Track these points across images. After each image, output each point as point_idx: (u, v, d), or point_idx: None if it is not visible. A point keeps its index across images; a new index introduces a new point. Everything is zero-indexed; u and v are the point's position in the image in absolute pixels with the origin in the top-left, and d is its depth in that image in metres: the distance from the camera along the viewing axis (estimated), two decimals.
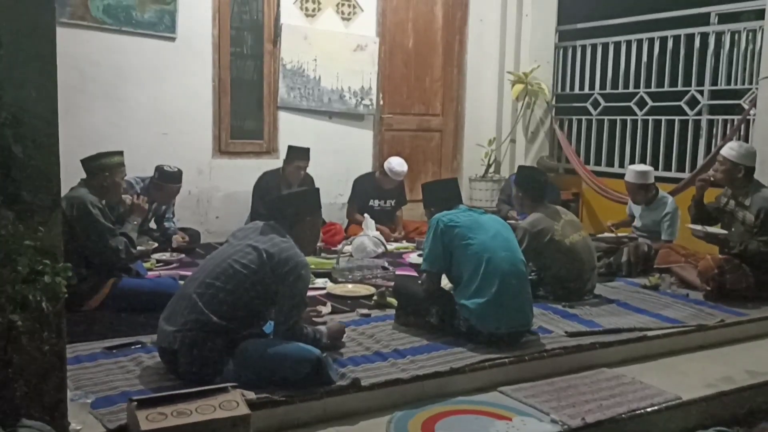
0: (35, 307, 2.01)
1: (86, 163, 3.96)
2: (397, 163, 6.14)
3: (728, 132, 5.90)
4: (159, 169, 5.08)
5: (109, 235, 3.83)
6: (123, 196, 4.17)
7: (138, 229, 4.19)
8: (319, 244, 5.51)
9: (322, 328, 3.15)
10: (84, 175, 3.96)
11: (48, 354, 2.15)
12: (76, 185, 3.92)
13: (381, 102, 6.96)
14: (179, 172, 5.15)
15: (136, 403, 2.29)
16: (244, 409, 2.34)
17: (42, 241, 2.05)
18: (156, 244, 4.88)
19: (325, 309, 3.91)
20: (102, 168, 3.94)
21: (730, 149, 4.50)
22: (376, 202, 6.25)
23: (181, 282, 3.63)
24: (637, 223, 5.54)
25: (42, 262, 2.02)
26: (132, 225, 4.08)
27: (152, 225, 5.36)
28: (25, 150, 2.08)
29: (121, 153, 4.07)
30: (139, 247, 4.12)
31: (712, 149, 5.98)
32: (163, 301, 3.80)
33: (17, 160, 2.07)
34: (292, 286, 2.87)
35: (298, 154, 5.70)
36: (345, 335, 3.39)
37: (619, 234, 5.41)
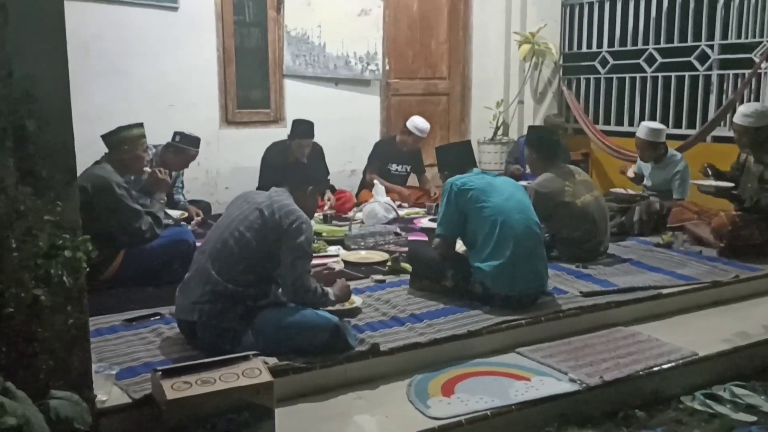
0: (57, 281, 2.02)
1: (107, 137, 3.92)
2: (421, 120, 6.17)
3: (739, 86, 5.83)
4: (180, 134, 5.06)
5: (134, 216, 3.78)
6: (145, 169, 4.16)
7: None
8: (330, 211, 5.52)
9: (328, 288, 3.14)
10: (102, 152, 3.94)
11: (72, 327, 2.16)
12: (99, 161, 3.89)
13: (387, 67, 6.89)
14: (199, 138, 5.15)
15: (160, 373, 2.32)
16: (266, 377, 2.37)
17: (61, 216, 2.05)
18: (186, 214, 4.92)
19: (338, 265, 3.91)
20: (122, 141, 3.89)
21: (746, 117, 4.46)
22: (394, 166, 6.26)
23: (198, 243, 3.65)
24: (647, 182, 5.51)
25: (62, 237, 2.03)
26: (159, 204, 4.09)
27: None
28: (39, 125, 2.07)
29: (141, 125, 4.02)
30: (167, 221, 4.13)
31: (723, 104, 5.92)
32: (178, 250, 3.80)
33: (31, 135, 2.06)
34: (294, 239, 2.87)
35: (303, 132, 5.59)
36: (361, 302, 3.42)
37: (631, 192, 5.39)
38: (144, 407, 2.41)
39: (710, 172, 4.77)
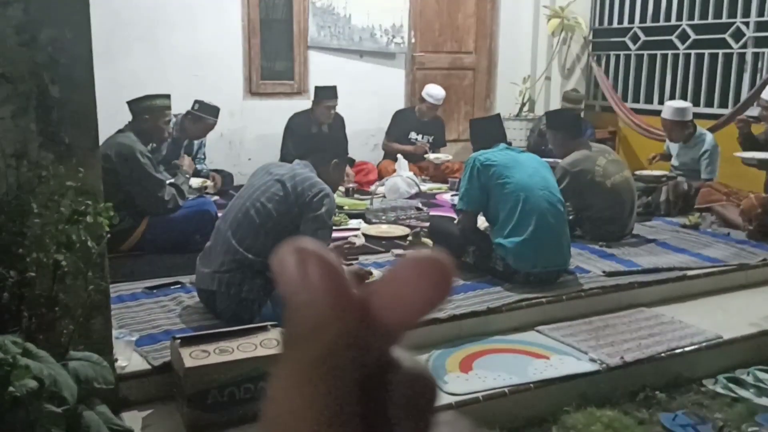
0: (79, 247, 2.03)
1: (131, 105, 3.94)
2: (434, 88, 6.12)
3: None
4: (200, 102, 5.08)
5: (158, 186, 3.81)
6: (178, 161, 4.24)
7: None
8: (351, 185, 5.50)
9: None
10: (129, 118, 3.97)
11: (93, 293, 2.18)
12: (123, 129, 3.90)
13: (413, 40, 6.80)
14: (218, 107, 5.16)
15: (179, 340, 2.34)
16: None
17: (83, 182, 2.06)
18: (211, 183, 4.95)
19: (358, 240, 3.91)
20: (147, 110, 3.92)
21: None
22: (413, 134, 6.21)
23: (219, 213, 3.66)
24: (674, 161, 5.40)
25: (84, 203, 2.03)
26: (184, 178, 4.13)
27: None
28: (62, 91, 2.07)
29: (167, 96, 4.03)
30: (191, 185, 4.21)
31: (757, 84, 5.77)
32: (201, 221, 3.83)
33: (55, 101, 2.07)
34: (316, 210, 2.88)
35: (327, 94, 5.64)
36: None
37: (657, 172, 5.29)
38: (163, 374, 2.43)
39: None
